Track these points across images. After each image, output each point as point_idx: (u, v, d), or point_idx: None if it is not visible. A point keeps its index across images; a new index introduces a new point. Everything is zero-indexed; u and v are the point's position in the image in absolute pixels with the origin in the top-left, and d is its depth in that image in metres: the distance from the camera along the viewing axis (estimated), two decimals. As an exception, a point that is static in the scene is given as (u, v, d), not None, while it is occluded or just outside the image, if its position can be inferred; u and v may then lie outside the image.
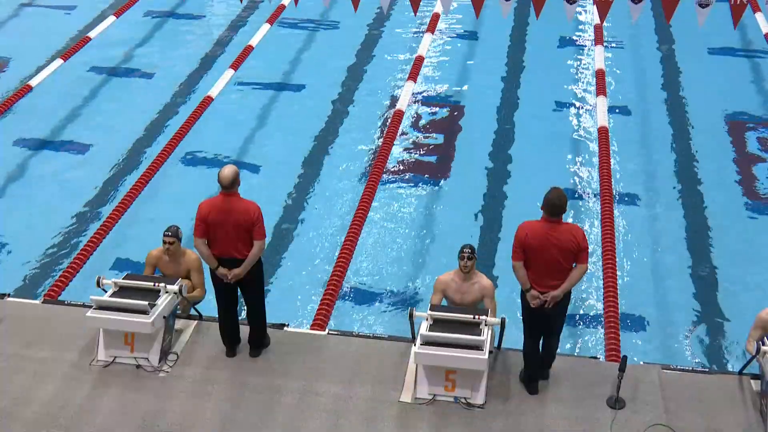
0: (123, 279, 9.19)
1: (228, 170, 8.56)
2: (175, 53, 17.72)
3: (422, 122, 15.18)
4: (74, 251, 11.32)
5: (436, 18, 17.92)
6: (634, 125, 15.07)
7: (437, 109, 15.64)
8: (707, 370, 9.24)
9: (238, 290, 8.86)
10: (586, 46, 17.94)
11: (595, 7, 14.00)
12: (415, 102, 15.66)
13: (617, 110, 15.31)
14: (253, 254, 8.55)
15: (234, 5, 19.08)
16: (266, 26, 17.71)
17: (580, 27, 18.77)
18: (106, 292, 9.00)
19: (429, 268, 11.52)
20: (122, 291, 8.98)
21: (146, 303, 8.70)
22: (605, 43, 17.11)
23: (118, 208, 11.77)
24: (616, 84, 16.07)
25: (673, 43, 17.96)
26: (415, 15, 14.77)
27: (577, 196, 12.96)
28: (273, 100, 15.95)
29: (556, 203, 8.22)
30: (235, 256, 8.54)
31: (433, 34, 17.55)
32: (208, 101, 14.88)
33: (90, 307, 8.90)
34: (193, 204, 8.86)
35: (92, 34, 17.29)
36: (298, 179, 13.50)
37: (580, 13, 19.00)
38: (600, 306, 10.34)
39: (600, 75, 15.56)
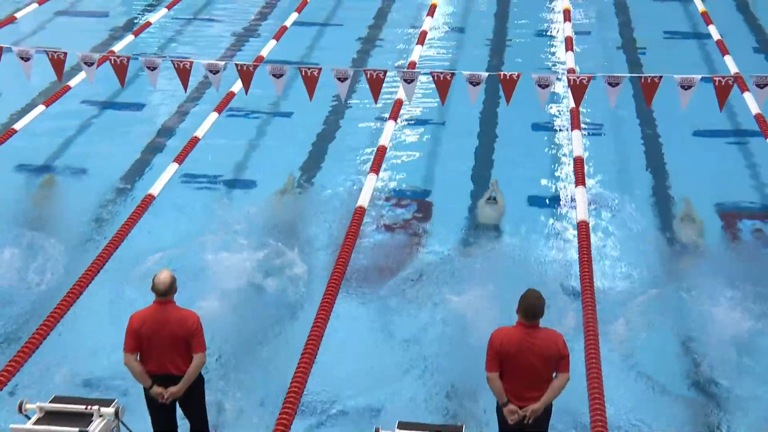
0: (50, 402, 8.96)
1: (164, 275, 8.51)
2: (113, 147, 17.69)
3: (386, 219, 15.15)
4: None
5: (399, 104, 18.10)
6: (616, 218, 15.16)
7: (402, 204, 15.64)
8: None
9: (177, 411, 8.67)
10: (562, 131, 18.13)
11: (569, 90, 14.21)
12: (378, 197, 15.61)
13: (598, 201, 15.41)
14: (192, 369, 8.44)
15: (177, 94, 19.09)
16: (214, 115, 17.79)
17: (555, 111, 19.01)
18: (29, 418, 8.76)
19: (395, 379, 11.37)
20: (49, 417, 8.77)
21: (76, 430, 8.47)
22: (583, 129, 17.34)
23: (47, 321, 11.55)
24: (596, 172, 16.20)
25: (656, 126, 18.23)
26: (376, 103, 14.92)
27: (555, 296, 12.89)
28: (220, 198, 15.93)
29: (533, 304, 8.25)
30: (171, 372, 8.41)
31: (396, 121, 17.70)
32: (149, 200, 14.81)
33: (10, 436, 8.65)
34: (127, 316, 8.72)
35: (18, 125, 17.28)
36: (250, 284, 13.35)
37: (555, 97, 19.24)
38: (586, 417, 10.19)
39: (578, 163, 15.69)
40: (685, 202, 15.38)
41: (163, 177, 15.47)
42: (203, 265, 13.45)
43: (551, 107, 19.00)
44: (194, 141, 16.77)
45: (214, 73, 14.66)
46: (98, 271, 12.85)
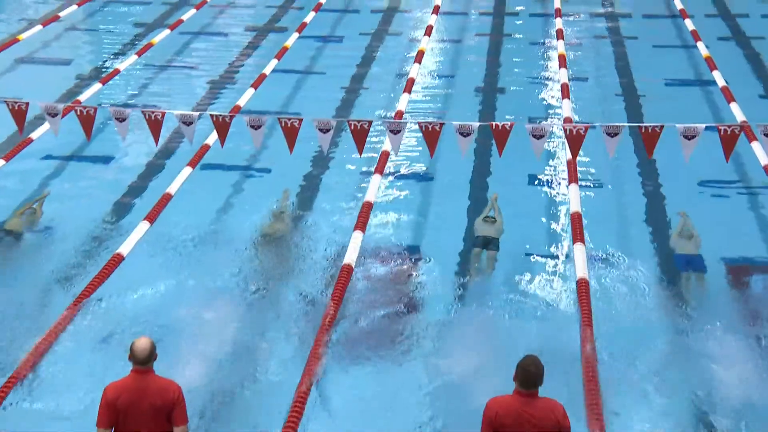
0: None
1: (144, 342, 8.46)
2: (79, 203, 17.57)
3: (374, 277, 15.08)
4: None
5: (385, 156, 18.10)
6: (618, 274, 15.13)
7: (390, 259, 15.58)
8: None
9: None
10: (558, 183, 18.16)
11: (566, 141, 14.26)
12: (365, 253, 15.55)
13: (598, 257, 15.40)
14: (173, 444, 8.30)
15: (148, 146, 19.06)
16: (188, 170, 17.73)
17: (551, 163, 19.05)
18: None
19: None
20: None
21: None
22: (580, 181, 17.35)
23: (3, 389, 11.44)
24: (595, 227, 16.18)
25: (658, 178, 18.26)
26: (360, 156, 14.91)
27: (554, 360, 12.80)
28: (197, 258, 15.76)
29: (531, 371, 8.21)
30: (149, 449, 8.28)
31: (382, 175, 17.69)
32: (117, 260, 14.72)
33: None
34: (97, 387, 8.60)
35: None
36: (232, 346, 13.22)
37: (550, 147, 19.30)
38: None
39: (576, 219, 15.69)
40: (681, 216, 15.48)
41: (133, 235, 15.40)
42: (181, 327, 13.31)
43: (547, 157, 19.04)
44: (167, 197, 16.73)
45: (188, 125, 14.61)
46: (59, 335, 12.75)
